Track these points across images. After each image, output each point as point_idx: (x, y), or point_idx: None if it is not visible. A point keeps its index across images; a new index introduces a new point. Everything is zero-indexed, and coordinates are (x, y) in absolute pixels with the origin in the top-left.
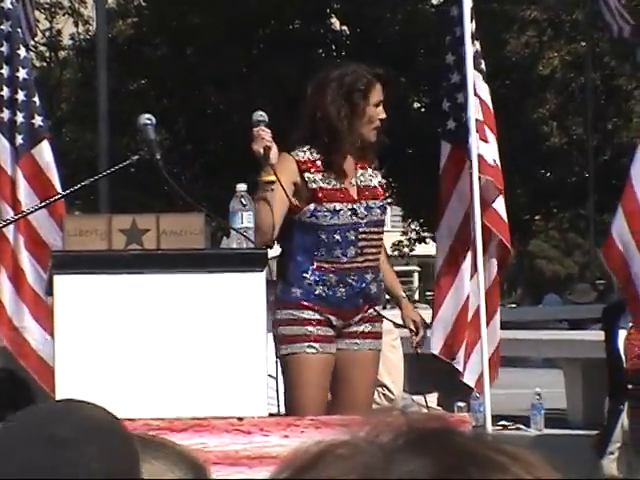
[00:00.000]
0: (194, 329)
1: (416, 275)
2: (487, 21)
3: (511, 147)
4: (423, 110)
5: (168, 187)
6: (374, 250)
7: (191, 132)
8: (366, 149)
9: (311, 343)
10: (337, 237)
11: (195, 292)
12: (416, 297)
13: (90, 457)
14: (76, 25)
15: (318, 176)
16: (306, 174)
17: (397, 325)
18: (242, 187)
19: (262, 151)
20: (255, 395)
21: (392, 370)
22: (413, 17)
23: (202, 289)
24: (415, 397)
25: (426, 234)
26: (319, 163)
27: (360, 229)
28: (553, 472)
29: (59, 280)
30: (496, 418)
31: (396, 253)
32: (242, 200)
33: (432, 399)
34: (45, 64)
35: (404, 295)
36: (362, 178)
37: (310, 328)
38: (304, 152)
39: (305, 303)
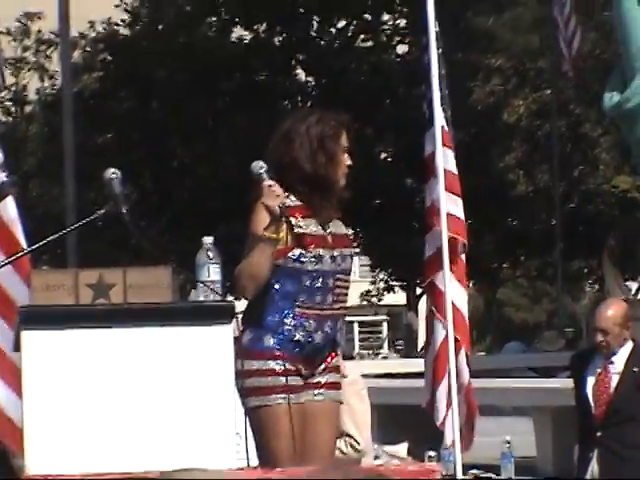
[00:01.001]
0: (162, 383)
1: (385, 324)
2: (452, 70)
3: (477, 196)
4: (389, 160)
5: (135, 241)
6: (345, 298)
7: (157, 185)
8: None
9: (284, 395)
10: (319, 283)
11: (163, 346)
12: (385, 346)
13: None
14: (42, 80)
15: (304, 222)
16: (292, 219)
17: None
18: (208, 240)
19: (278, 209)
20: (224, 448)
21: (358, 420)
22: (378, 67)
23: (170, 342)
24: (385, 447)
25: (394, 283)
26: (303, 209)
27: (337, 276)
28: None
29: (27, 335)
30: (466, 467)
31: (364, 303)
32: (209, 253)
33: (402, 449)
34: (11, 119)
35: None
36: (335, 226)
37: (282, 379)
38: (281, 194)
39: (278, 353)
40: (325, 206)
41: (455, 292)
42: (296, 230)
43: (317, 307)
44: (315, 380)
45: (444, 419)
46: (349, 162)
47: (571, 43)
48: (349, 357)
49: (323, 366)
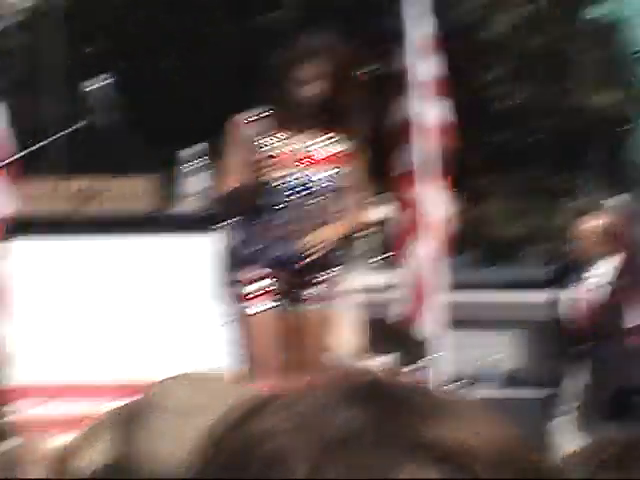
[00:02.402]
0: (146, 291)
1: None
2: None
3: (465, 109)
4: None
5: (121, 150)
6: (315, 219)
7: (143, 95)
8: (338, 115)
9: (258, 301)
10: (271, 200)
11: (147, 255)
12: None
13: None
14: None
15: (260, 138)
16: (249, 136)
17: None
18: (194, 150)
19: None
20: (205, 356)
21: (348, 331)
22: None
23: (154, 251)
24: (376, 358)
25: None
26: (264, 125)
27: (297, 195)
28: (492, 423)
29: (14, 244)
30: (451, 378)
31: None
32: (194, 163)
33: (391, 360)
34: None
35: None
36: (317, 145)
37: (257, 286)
38: (251, 114)
39: (252, 263)
40: (292, 122)
41: (437, 201)
42: (251, 147)
43: (274, 223)
44: (299, 292)
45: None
46: (313, 91)
47: None
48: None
49: (306, 279)
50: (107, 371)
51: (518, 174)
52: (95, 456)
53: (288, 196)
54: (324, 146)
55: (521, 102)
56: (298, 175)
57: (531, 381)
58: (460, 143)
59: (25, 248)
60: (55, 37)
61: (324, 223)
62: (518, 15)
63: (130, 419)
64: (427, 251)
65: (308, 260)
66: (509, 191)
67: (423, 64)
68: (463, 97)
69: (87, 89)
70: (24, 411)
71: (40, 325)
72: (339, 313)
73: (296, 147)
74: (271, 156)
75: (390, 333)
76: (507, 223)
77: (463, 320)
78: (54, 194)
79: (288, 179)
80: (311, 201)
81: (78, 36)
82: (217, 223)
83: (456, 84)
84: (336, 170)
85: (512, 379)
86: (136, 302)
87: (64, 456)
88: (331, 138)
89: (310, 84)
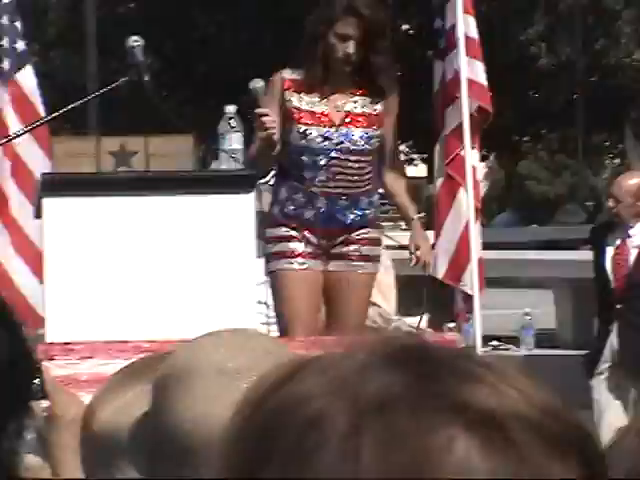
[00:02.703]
0: (184, 252)
1: None
2: None
3: (499, 68)
4: (412, 32)
5: (157, 109)
6: (352, 178)
7: (179, 55)
8: (373, 75)
9: (292, 259)
10: (305, 159)
11: (185, 214)
12: None
13: None
14: None
15: (295, 96)
16: (286, 93)
17: (401, 247)
18: (231, 109)
19: (263, 140)
20: (244, 317)
21: (386, 291)
22: None
23: (191, 211)
24: (407, 319)
25: (415, 156)
26: (301, 84)
27: (332, 154)
28: (533, 385)
29: (48, 203)
30: (486, 339)
31: None
32: (230, 122)
33: (423, 321)
34: None
35: (414, 217)
36: (353, 105)
37: (291, 245)
38: (291, 71)
39: (282, 220)
40: (325, 83)
41: (475, 162)
42: (286, 104)
43: (307, 183)
44: (337, 251)
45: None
46: (348, 50)
47: None
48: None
49: (343, 237)
50: (146, 330)
51: (556, 133)
52: (125, 408)
53: (325, 155)
54: (360, 106)
55: (559, 61)
56: (334, 134)
57: (570, 340)
58: (497, 104)
59: (59, 207)
60: None
61: (360, 182)
62: None
63: (166, 382)
64: (465, 211)
65: (352, 216)
66: (547, 149)
67: (461, 24)
68: (500, 57)
69: (125, 46)
70: (59, 370)
71: (79, 285)
72: (378, 272)
73: (332, 106)
74: (308, 114)
75: (422, 293)
76: (546, 181)
77: (501, 278)
78: (89, 152)
79: (324, 138)
80: (348, 160)
81: None
82: (255, 181)
83: (493, 44)
84: (372, 130)
85: (551, 338)
86: (173, 262)
87: (91, 409)
88: (367, 98)
89: (345, 43)
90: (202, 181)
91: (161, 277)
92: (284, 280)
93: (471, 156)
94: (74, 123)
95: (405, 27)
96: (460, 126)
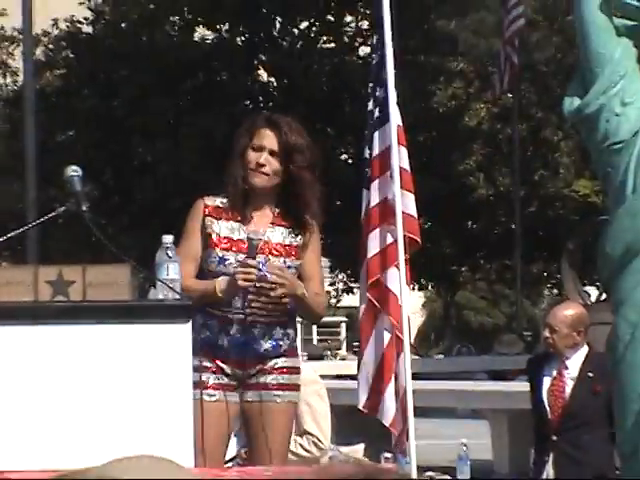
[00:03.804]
0: (121, 381)
1: (343, 326)
2: (413, 72)
3: (437, 198)
4: (350, 161)
5: (95, 238)
6: (267, 307)
7: (118, 183)
8: (295, 206)
9: (203, 390)
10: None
11: (122, 343)
12: (343, 348)
13: None
14: (4, 76)
15: (215, 222)
16: (206, 218)
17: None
18: (168, 238)
19: (233, 287)
20: (181, 447)
21: (320, 419)
22: (340, 69)
23: (128, 340)
24: (341, 448)
25: (354, 285)
26: (221, 210)
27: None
28: None
29: None
30: (422, 468)
31: None
32: (168, 252)
33: (359, 449)
34: None
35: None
36: (272, 233)
37: (203, 377)
38: (213, 198)
39: (197, 350)
40: (243, 208)
41: (403, 291)
42: (207, 230)
43: (223, 309)
44: (253, 381)
45: (393, 420)
46: (259, 160)
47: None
48: (319, 357)
49: (258, 368)
50: (75, 460)
51: (494, 263)
52: None
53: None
54: (280, 235)
55: (497, 191)
56: (228, 257)
57: (506, 471)
58: (436, 234)
59: None
60: (29, 122)
61: (275, 311)
62: (496, 104)
63: None
64: (392, 338)
65: (266, 346)
66: (485, 279)
67: (393, 154)
68: (438, 186)
69: (64, 175)
70: None
71: (8, 412)
72: (301, 401)
73: (252, 235)
74: (226, 241)
75: (356, 422)
76: (484, 311)
77: (436, 408)
78: (27, 281)
79: (232, 263)
80: (260, 289)
81: (53, 122)
82: (192, 311)
83: (429, 174)
84: (290, 260)
85: (487, 469)
86: (110, 392)
87: None
88: (287, 229)
89: (259, 153)
90: (139, 310)
91: (98, 407)
92: (195, 411)
93: (399, 279)
94: (12, 250)
95: (344, 157)
96: (381, 252)
